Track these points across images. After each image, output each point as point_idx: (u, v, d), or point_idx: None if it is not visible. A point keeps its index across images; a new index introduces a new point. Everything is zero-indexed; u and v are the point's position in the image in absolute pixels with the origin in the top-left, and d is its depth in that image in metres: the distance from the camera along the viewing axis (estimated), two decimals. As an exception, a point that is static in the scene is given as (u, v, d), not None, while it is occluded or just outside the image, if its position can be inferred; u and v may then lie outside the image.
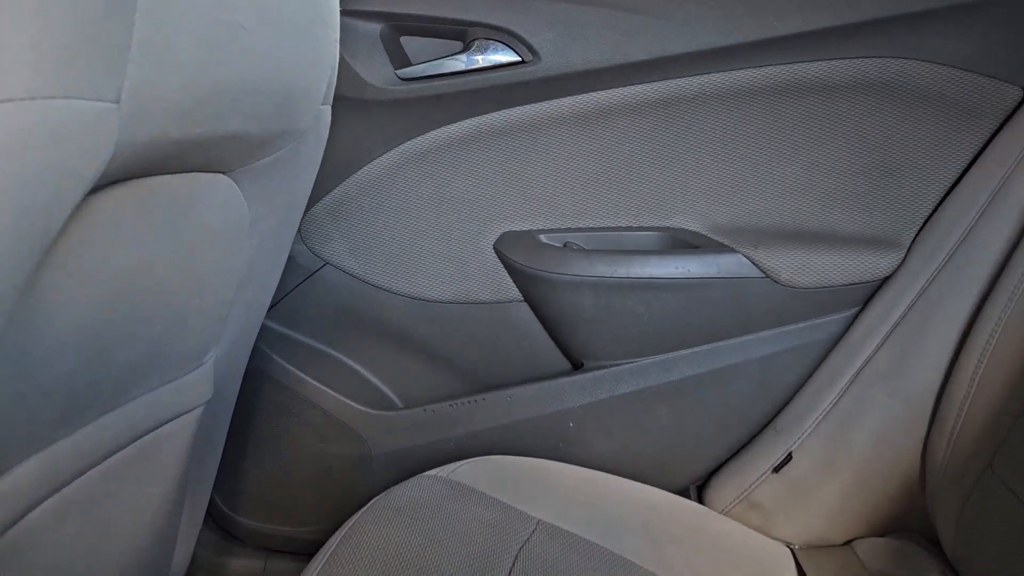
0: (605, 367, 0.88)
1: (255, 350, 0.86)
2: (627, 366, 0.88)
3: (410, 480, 0.75)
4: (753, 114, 0.83)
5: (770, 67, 0.81)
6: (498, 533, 0.70)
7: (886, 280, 0.84)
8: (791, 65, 0.80)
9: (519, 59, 0.84)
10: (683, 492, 0.91)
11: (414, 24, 0.86)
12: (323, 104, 0.68)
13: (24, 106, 0.34)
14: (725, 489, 0.89)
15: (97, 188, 0.46)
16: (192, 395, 0.70)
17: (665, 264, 0.85)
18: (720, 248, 0.86)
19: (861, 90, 0.80)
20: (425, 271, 0.91)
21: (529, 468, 0.81)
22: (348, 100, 0.85)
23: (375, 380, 0.96)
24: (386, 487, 0.78)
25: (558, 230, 0.90)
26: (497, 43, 0.85)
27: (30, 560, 0.53)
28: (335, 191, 0.90)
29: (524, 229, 0.90)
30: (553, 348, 0.92)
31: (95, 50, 0.37)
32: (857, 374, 0.82)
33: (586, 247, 0.89)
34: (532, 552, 0.68)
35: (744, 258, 0.85)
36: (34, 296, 0.43)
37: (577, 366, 0.91)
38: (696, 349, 0.87)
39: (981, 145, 0.80)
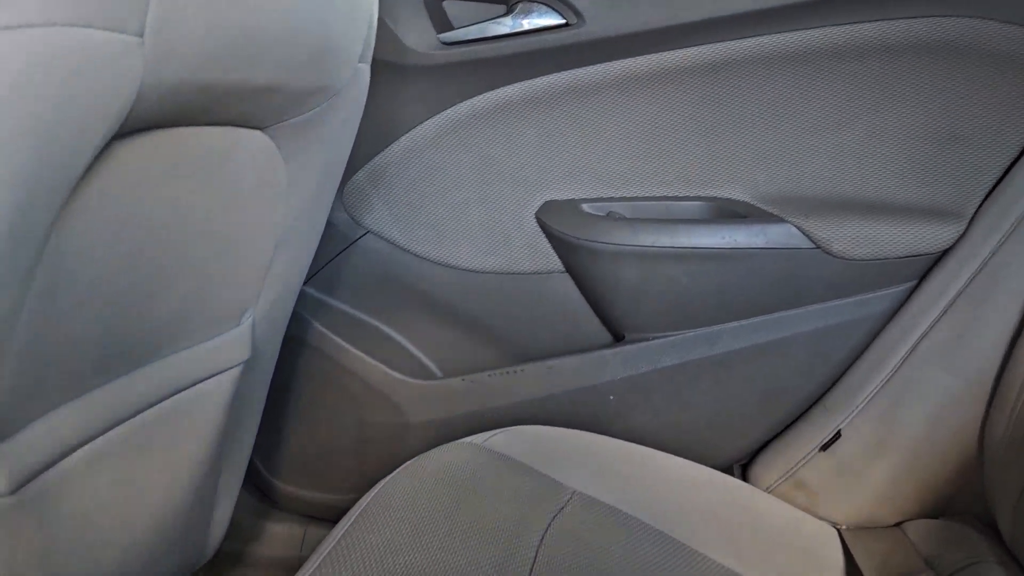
0: (647, 339, 0.86)
1: (295, 317, 0.87)
2: (670, 339, 0.85)
3: (444, 446, 0.74)
4: (807, 78, 0.80)
5: (828, 28, 0.77)
6: (531, 500, 0.68)
7: (945, 253, 0.80)
8: (850, 26, 0.77)
9: (563, 22, 0.82)
10: (726, 469, 0.88)
11: (457, -13, 0.85)
12: (360, 62, 0.68)
13: (40, 33, 0.34)
14: (770, 467, 0.87)
15: (124, 134, 0.45)
16: (230, 354, 0.70)
17: (711, 234, 0.82)
18: (769, 218, 0.83)
19: (926, 52, 0.76)
20: (466, 240, 0.90)
21: (566, 439, 0.79)
22: (390, 65, 0.84)
23: (414, 349, 0.95)
24: (423, 456, 0.77)
25: (601, 199, 0.88)
26: (541, 5, 0.83)
27: (61, 507, 0.53)
28: (376, 158, 0.89)
29: (566, 198, 0.88)
30: (594, 320, 0.90)
31: (113, -22, 0.37)
32: (912, 350, 0.78)
33: (629, 217, 0.87)
34: (566, 521, 0.67)
35: (794, 228, 0.82)
36: (60, 241, 0.43)
37: (618, 338, 0.89)
38: (742, 322, 0.84)
39: (1053, 112, 0.76)
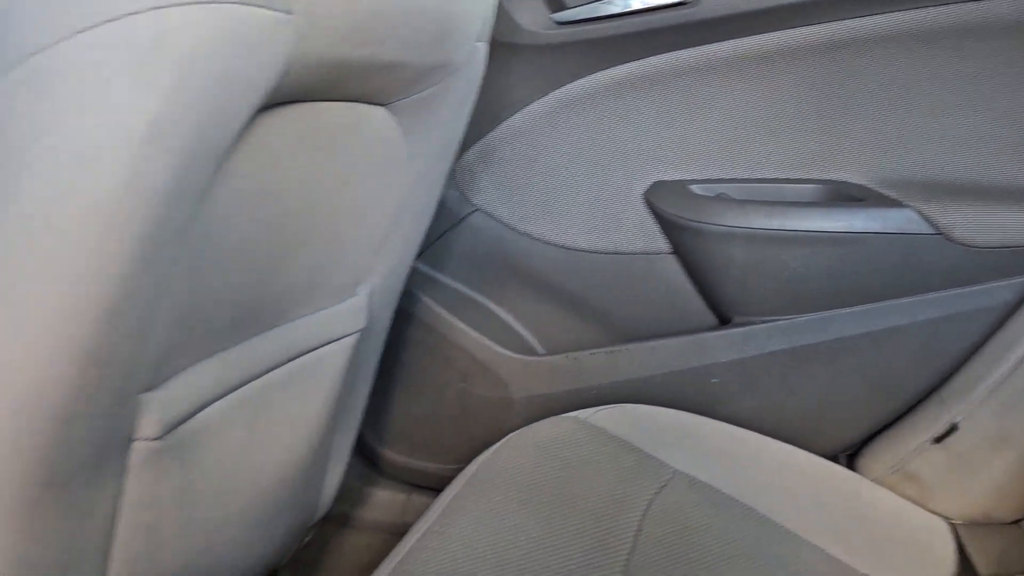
0: (755, 323, 0.85)
1: (405, 290, 0.90)
2: (779, 323, 0.84)
3: (549, 419, 0.76)
4: (932, 58, 0.77)
5: (956, 5, 0.74)
6: (633, 477, 0.69)
7: (1079, 242, 0.76)
8: (982, 2, 0.74)
9: (679, 0, 0.81)
10: (831, 458, 0.86)
11: (570, -34, 0.85)
12: (478, 41, 0.69)
13: (206, 10, 0.36)
14: (878, 458, 0.84)
15: (265, 107, 0.48)
16: (347, 323, 0.74)
17: (825, 217, 0.80)
18: (887, 202, 0.80)
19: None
20: (575, 220, 0.91)
21: (669, 419, 0.80)
22: (503, 44, 0.85)
23: (517, 325, 0.97)
24: (526, 430, 0.79)
25: (711, 180, 0.87)
26: (656, -17, 0.83)
27: (196, 458, 0.57)
28: (487, 137, 0.91)
29: (676, 179, 0.88)
30: (699, 302, 0.89)
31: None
32: (1039, 342, 0.75)
33: (739, 199, 0.86)
34: (667, 499, 0.68)
35: (914, 213, 0.79)
36: (206, 206, 0.46)
37: (724, 321, 0.88)
38: (855, 309, 0.82)
39: None
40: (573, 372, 0.92)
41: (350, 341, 0.76)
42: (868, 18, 0.78)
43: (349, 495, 1.04)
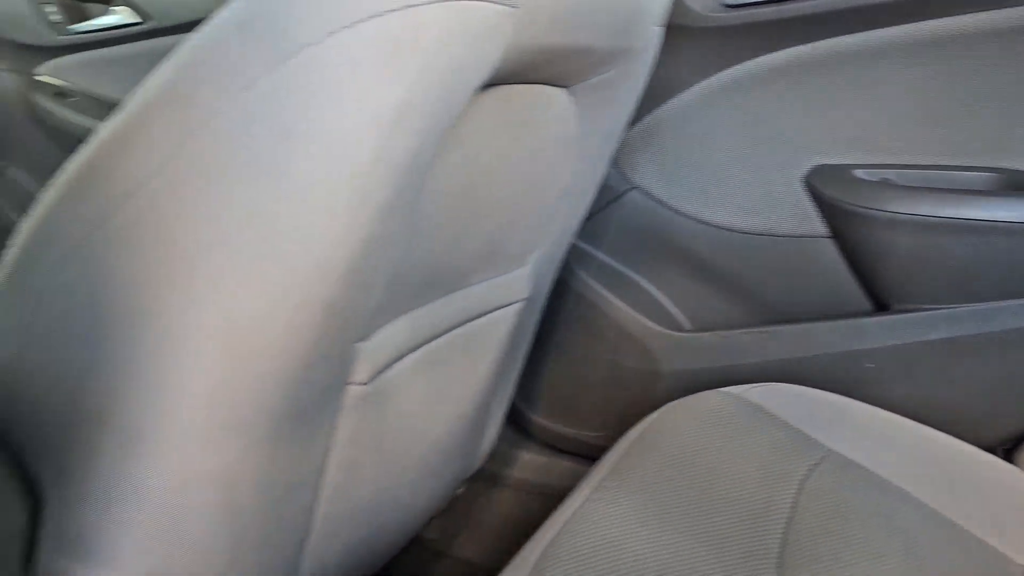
0: (915, 311, 0.85)
1: (561, 263, 0.94)
2: (941, 312, 0.83)
3: (704, 393, 0.78)
4: None
5: None
6: (788, 454, 0.71)
7: None
8: None
9: (851, -16, 0.81)
10: (988, 451, 0.85)
11: (742, -50, 0.86)
12: (657, 25, 0.72)
13: (449, 6, 0.41)
14: (1041, 454, 0.83)
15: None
16: (514, 291, 0.79)
17: (1000, 207, 0.79)
18: (1066, 192, 0.78)
19: None
20: (732, 200, 0.92)
21: (823, 399, 0.81)
22: (671, 26, 0.88)
23: (667, 302, 0.99)
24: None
25: (876, 166, 0.87)
26: (828, -32, 0.83)
27: (389, 405, 0.64)
28: (649, 117, 0.93)
29: (838, 163, 0.88)
30: (855, 286, 0.89)
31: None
32: None
33: (905, 185, 0.85)
34: (820, 477, 0.69)
35: (1096, 204, 0.76)
36: (425, 180, 0.52)
37: (882, 307, 0.88)
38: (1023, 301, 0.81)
39: None
40: (723, 349, 0.94)
41: (515, 308, 0.81)
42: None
43: (497, 455, 1.10)
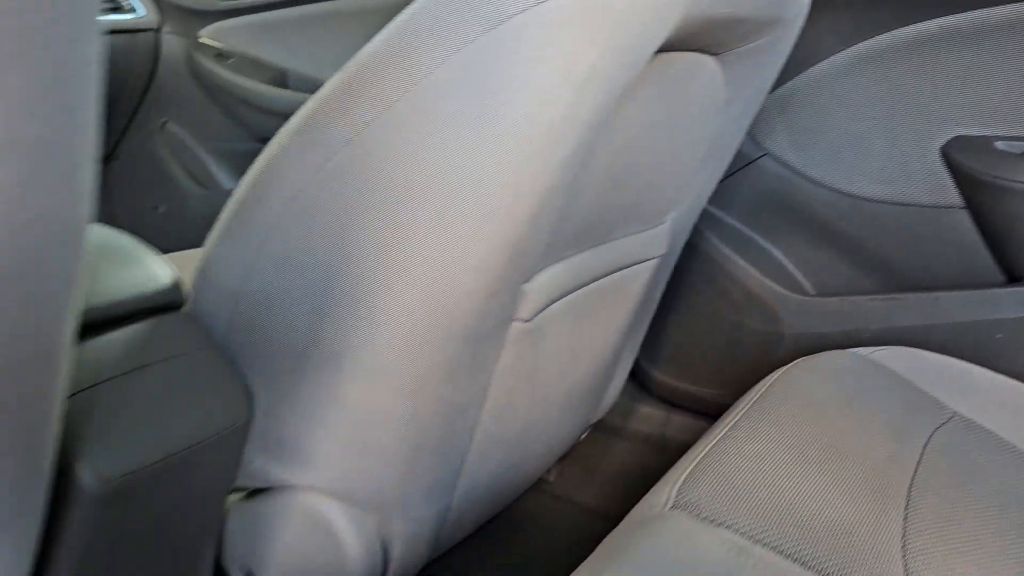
0: (1050, 283, 0.85)
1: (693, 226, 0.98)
2: (1077, 285, 0.84)
3: (831, 352, 0.82)
4: None
5: None
6: (914, 413, 0.74)
7: None
8: None
9: (1006, -45, 0.81)
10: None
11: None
12: (806, -4, 0.75)
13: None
14: None
15: (642, 56, 0.58)
16: (652, 247, 0.84)
17: None
18: None
19: None
20: (866, 169, 0.94)
21: (950, 365, 0.83)
22: (814, -3, 0.90)
23: (791, 267, 1.02)
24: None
25: (1017, 138, 0.87)
26: (983, -62, 0.83)
27: (542, 343, 0.70)
28: (787, 85, 0.96)
29: (978, 134, 0.88)
30: (987, 258, 0.90)
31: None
32: None
33: (1049, 158, 0.85)
34: (946, 437, 0.72)
35: None
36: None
37: (1014, 279, 0.89)
38: None
39: None
40: (847, 314, 0.97)
41: (652, 264, 0.86)
42: None
43: (618, 408, 1.16)
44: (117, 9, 1.37)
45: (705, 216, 1.04)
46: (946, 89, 0.89)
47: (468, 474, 0.70)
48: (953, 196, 0.90)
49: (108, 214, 1.65)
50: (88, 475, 0.46)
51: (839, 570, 0.51)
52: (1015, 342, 0.87)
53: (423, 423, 0.59)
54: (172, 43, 1.49)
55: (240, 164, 1.48)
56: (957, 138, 0.89)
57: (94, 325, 0.53)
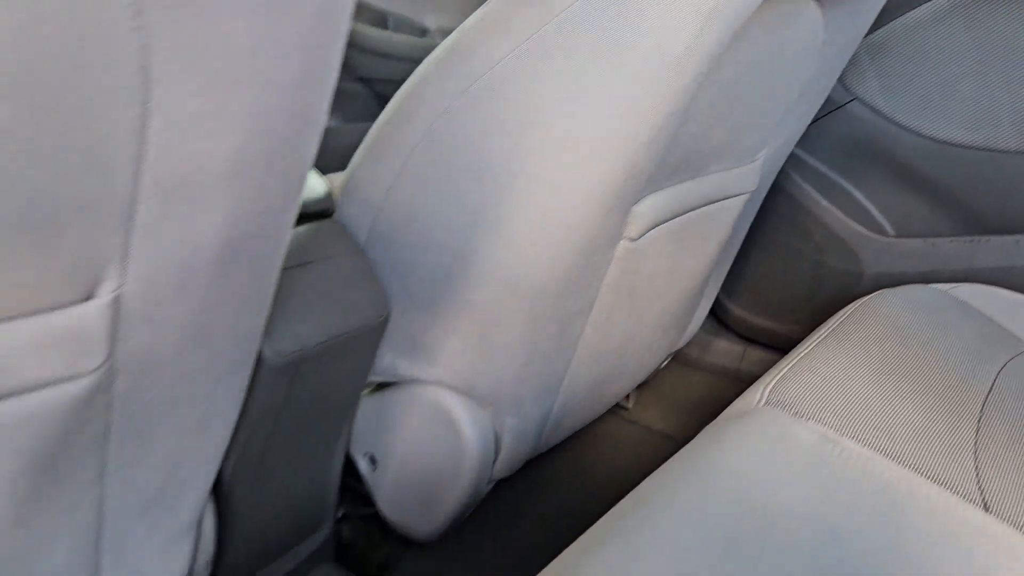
0: None
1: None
2: None
3: (913, 285, 0.86)
4: None
5: None
6: (990, 343, 0.78)
7: None
8: None
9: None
10: None
11: None
12: (908, -59, 0.78)
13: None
14: None
15: None
16: (744, 183, 0.89)
17: None
18: None
19: None
20: (954, 115, 0.97)
21: (1028, 303, 0.86)
22: (913, -57, 0.92)
23: (873, 209, 1.06)
24: (873, 302, 0.90)
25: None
26: None
27: (643, 263, 0.76)
28: (880, 31, 0.99)
29: (1071, 81, 0.91)
30: (1073, 203, 0.93)
31: None
32: None
33: None
34: (1018, 368, 0.76)
35: None
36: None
37: (1098, 223, 0.92)
38: None
39: None
40: (927, 255, 1.00)
41: (741, 200, 0.91)
42: None
43: (696, 340, 1.22)
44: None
45: (792, 158, 1.08)
46: (1041, 36, 0.91)
47: (570, 380, 0.77)
48: (1041, 142, 0.93)
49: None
50: (268, 349, 0.55)
51: (917, 464, 0.57)
52: (1094, 284, 0.90)
53: (539, 328, 0.67)
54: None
55: (341, 102, 1.56)
56: (1049, 85, 0.92)
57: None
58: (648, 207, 0.71)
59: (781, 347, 1.16)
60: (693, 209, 0.82)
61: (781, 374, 0.66)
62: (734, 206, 0.90)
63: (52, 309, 0.33)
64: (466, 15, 0.69)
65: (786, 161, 1.08)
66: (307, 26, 0.33)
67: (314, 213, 0.64)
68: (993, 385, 0.71)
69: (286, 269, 0.58)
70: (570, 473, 1.04)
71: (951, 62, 0.96)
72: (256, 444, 0.60)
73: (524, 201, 0.60)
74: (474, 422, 0.71)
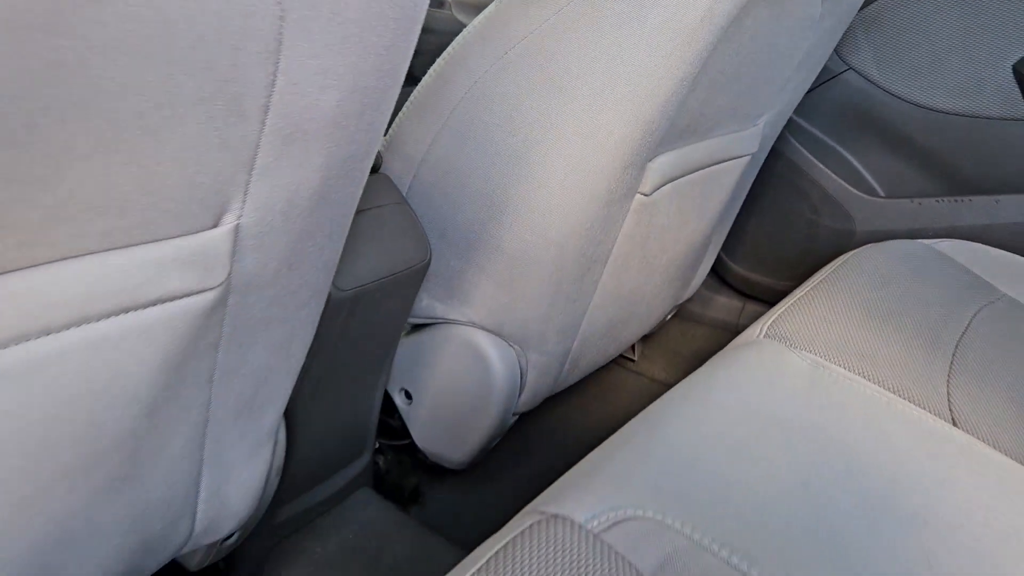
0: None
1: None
2: None
3: (898, 241, 0.94)
4: None
5: None
6: (968, 290, 0.87)
7: None
8: None
9: None
10: None
11: None
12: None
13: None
14: None
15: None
16: (745, 145, 0.96)
17: None
18: None
19: None
20: (942, 84, 1.04)
21: (1005, 257, 0.94)
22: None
23: (865, 172, 1.14)
24: (864, 257, 0.98)
25: (1086, 56, 0.96)
26: None
27: (654, 216, 0.84)
28: (873, 5, 1.06)
29: (1049, 53, 0.98)
30: (1049, 166, 1.01)
31: None
32: None
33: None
34: (995, 312, 0.84)
35: None
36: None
37: (1072, 185, 0.99)
38: None
39: None
40: (916, 214, 1.08)
41: (743, 161, 0.98)
42: None
43: (698, 296, 1.30)
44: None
45: (790, 124, 1.15)
46: (1020, 11, 0.98)
47: (588, 322, 0.85)
48: (1021, 109, 1.00)
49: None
50: (332, 286, 0.63)
51: (896, 386, 0.65)
52: (1066, 241, 0.99)
53: (563, 271, 0.74)
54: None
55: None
56: (1029, 56, 0.99)
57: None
58: (660, 165, 0.78)
59: (777, 302, 1.25)
60: (699, 169, 0.90)
61: (778, 313, 0.74)
62: (736, 167, 0.98)
63: (189, 233, 0.41)
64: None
65: (785, 126, 1.15)
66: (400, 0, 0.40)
67: (364, 167, 0.72)
68: (968, 327, 0.80)
69: (344, 215, 0.66)
70: (582, 415, 1.13)
71: (939, 35, 1.03)
72: (317, 370, 0.68)
73: (554, 155, 0.67)
74: (503, 359, 0.79)
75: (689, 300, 1.29)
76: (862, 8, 1.07)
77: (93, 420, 0.41)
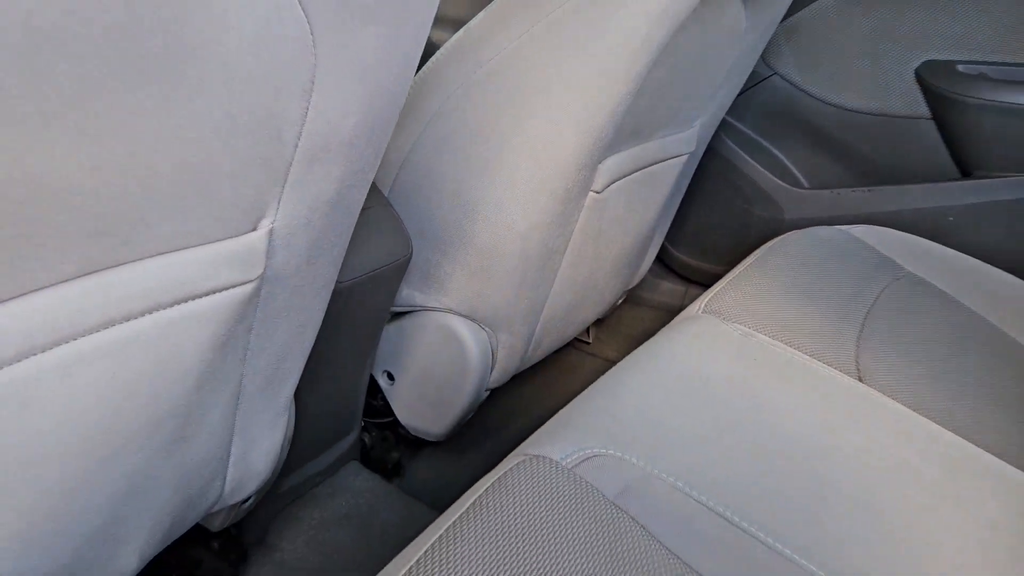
0: (991, 177, 1.10)
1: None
2: (1010, 179, 1.08)
3: (817, 228, 1.07)
4: None
5: None
6: (875, 269, 1.00)
7: None
8: None
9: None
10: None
11: None
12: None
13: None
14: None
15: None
16: (684, 145, 1.07)
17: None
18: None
19: None
20: (854, 87, 1.18)
21: (911, 240, 1.08)
22: (819, -56, 1.11)
23: (792, 166, 1.27)
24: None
25: (975, 62, 1.10)
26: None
27: (604, 212, 0.94)
28: (794, 17, 1.18)
29: (945, 59, 1.12)
30: (947, 157, 1.14)
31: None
32: None
33: (996, 78, 1.09)
34: (899, 288, 0.98)
35: None
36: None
37: (966, 174, 1.13)
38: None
39: None
40: (835, 202, 1.22)
41: (682, 160, 1.10)
42: None
43: (646, 282, 1.42)
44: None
45: (724, 124, 1.28)
46: (920, 22, 1.11)
47: (549, 306, 0.96)
48: (923, 109, 1.14)
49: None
50: (330, 277, 0.72)
51: (811, 350, 0.77)
52: (962, 223, 1.12)
53: (528, 261, 0.85)
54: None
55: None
56: (928, 62, 1.12)
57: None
58: (609, 165, 0.89)
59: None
60: (644, 168, 1.01)
61: (715, 292, 0.86)
62: (676, 165, 1.09)
63: (234, 236, 0.50)
64: (457, 4, 0.86)
65: (719, 127, 1.28)
66: (410, 37, 0.50)
67: (351, 174, 0.81)
68: (876, 300, 0.92)
69: (339, 217, 0.75)
70: (545, 394, 1.24)
71: (851, 43, 1.16)
72: (315, 355, 0.77)
73: (519, 158, 0.78)
74: (476, 340, 0.89)
75: (637, 286, 1.41)
76: (784, 19, 1.19)
77: (155, 392, 0.50)
